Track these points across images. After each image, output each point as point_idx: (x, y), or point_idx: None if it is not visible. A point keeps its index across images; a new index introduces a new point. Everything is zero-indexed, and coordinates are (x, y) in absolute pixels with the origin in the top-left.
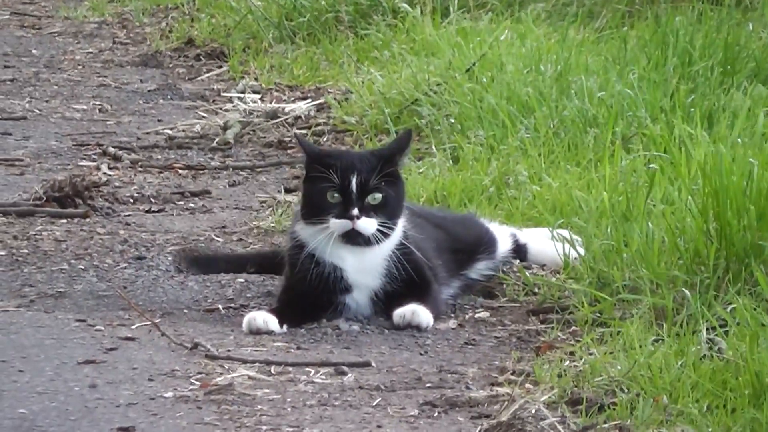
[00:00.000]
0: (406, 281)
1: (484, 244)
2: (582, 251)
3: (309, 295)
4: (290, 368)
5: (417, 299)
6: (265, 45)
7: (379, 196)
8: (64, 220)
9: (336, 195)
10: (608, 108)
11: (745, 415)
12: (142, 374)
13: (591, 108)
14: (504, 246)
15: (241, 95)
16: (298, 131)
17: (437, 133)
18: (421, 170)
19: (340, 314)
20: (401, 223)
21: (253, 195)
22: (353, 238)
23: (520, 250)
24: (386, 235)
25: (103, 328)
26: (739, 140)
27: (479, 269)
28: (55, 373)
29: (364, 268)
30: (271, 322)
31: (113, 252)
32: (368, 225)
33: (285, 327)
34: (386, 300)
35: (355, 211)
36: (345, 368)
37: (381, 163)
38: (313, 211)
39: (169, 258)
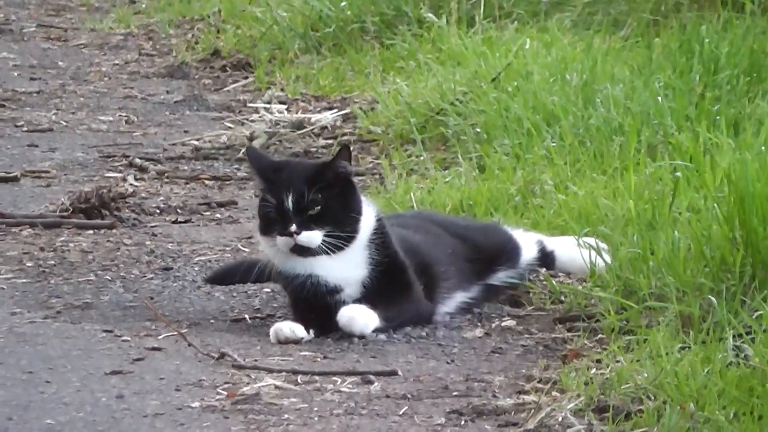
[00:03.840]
0: (386, 274)
1: (506, 253)
2: (609, 259)
3: (309, 302)
4: (317, 377)
5: (390, 294)
6: (290, 55)
7: (317, 208)
8: (91, 232)
9: (275, 215)
10: (634, 116)
11: None
12: (169, 384)
13: (617, 116)
14: (528, 254)
15: (267, 106)
16: (251, 144)
17: (463, 142)
18: (447, 179)
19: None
20: (368, 220)
21: None
22: (304, 252)
23: (546, 258)
24: (341, 239)
25: (129, 338)
26: (763, 148)
27: (500, 278)
28: (82, 384)
29: (345, 267)
30: (298, 330)
31: (140, 263)
32: (311, 238)
33: (311, 332)
34: (372, 291)
35: (293, 228)
36: (371, 377)
37: (316, 174)
38: (262, 227)
39: (196, 269)
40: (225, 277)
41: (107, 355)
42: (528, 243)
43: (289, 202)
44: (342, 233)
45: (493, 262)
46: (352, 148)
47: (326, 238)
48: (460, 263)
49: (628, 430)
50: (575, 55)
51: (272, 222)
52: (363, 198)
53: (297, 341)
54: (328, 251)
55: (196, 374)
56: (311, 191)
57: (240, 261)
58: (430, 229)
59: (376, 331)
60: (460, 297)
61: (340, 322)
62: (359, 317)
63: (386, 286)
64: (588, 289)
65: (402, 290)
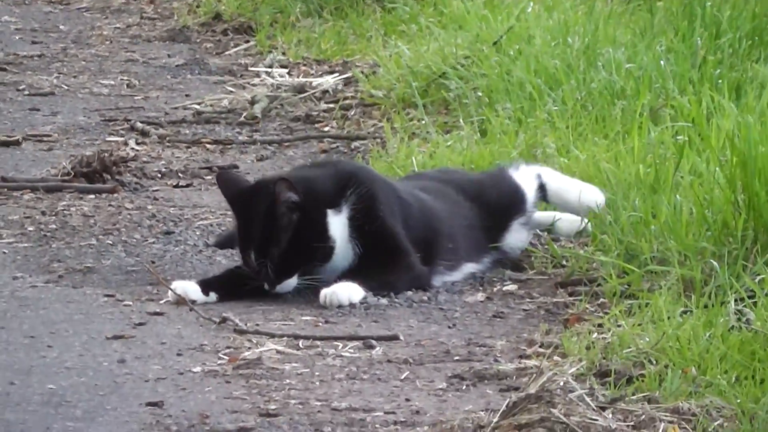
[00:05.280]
0: (373, 246)
1: (515, 204)
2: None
3: None
4: (318, 342)
5: (379, 270)
6: (292, 19)
7: (283, 263)
8: (93, 196)
9: (247, 267)
10: (636, 80)
11: None
12: (171, 349)
13: (619, 80)
14: (531, 193)
15: (269, 70)
16: (221, 170)
17: (465, 106)
18: (448, 143)
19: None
20: (338, 225)
21: (281, 169)
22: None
23: (542, 189)
24: (315, 268)
25: (131, 303)
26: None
27: (514, 229)
28: (84, 349)
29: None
30: (191, 291)
31: (141, 227)
32: (286, 287)
33: (213, 295)
34: (359, 266)
35: (266, 287)
36: (373, 342)
37: (268, 222)
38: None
39: (197, 233)
40: (230, 241)
41: (109, 320)
42: (529, 182)
43: (254, 261)
44: (315, 264)
45: (506, 218)
46: (353, 112)
47: (303, 274)
48: (474, 234)
49: (630, 395)
50: (577, 18)
51: (250, 274)
52: (331, 210)
53: (192, 302)
54: (310, 279)
55: (197, 339)
56: (270, 245)
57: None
58: (448, 195)
59: (377, 296)
60: (468, 268)
61: (322, 301)
62: (341, 292)
63: (373, 257)
64: (589, 253)
65: (390, 258)
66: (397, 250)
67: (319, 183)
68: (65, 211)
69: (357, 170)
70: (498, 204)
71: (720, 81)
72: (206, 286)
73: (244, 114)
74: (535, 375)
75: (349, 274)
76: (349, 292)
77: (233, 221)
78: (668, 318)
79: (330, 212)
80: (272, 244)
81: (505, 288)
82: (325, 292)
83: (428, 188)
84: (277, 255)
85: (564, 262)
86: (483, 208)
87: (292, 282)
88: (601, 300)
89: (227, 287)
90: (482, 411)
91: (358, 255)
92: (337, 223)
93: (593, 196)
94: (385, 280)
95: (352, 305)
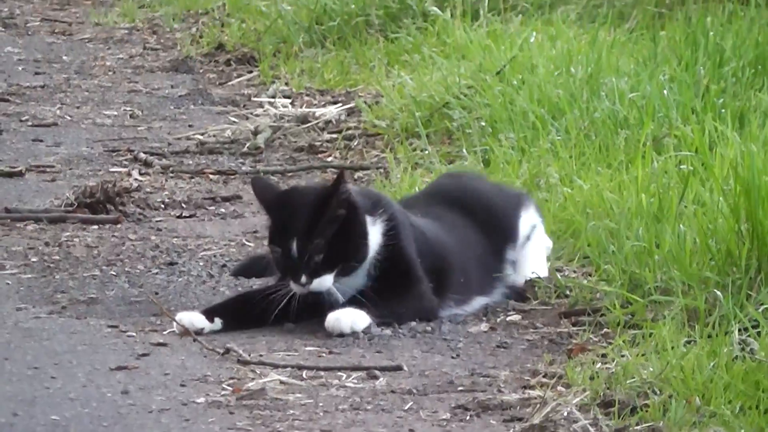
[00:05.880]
0: (390, 278)
1: (511, 233)
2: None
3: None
4: (322, 373)
5: (389, 297)
6: (295, 49)
7: (322, 256)
8: (96, 226)
9: (283, 262)
10: (639, 109)
11: None
12: (175, 380)
13: (622, 109)
14: (522, 233)
15: (272, 100)
16: (256, 175)
17: (468, 135)
18: None
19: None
20: (374, 237)
21: None
22: (317, 294)
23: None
24: (352, 269)
25: (135, 333)
26: None
27: (510, 258)
28: (88, 379)
29: (346, 283)
30: (197, 321)
31: (145, 258)
32: (322, 284)
33: (218, 321)
34: (371, 289)
35: (303, 279)
36: (377, 372)
37: (318, 210)
38: (276, 268)
39: (201, 264)
40: (250, 269)
41: (113, 351)
42: (525, 224)
43: (295, 250)
44: (353, 264)
45: (503, 241)
46: (356, 142)
47: (339, 275)
48: (484, 263)
49: (634, 425)
50: (580, 47)
51: (282, 269)
52: (369, 217)
53: (198, 332)
54: (341, 282)
55: (201, 369)
56: (315, 235)
57: (263, 254)
58: (458, 222)
59: (382, 326)
60: (479, 302)
61: (327, 326)
62: (345, 318)
63: (386, 282)
64: (593, 283)
65: (403, 286)
66: (411, 277)
67: (356, 195)
68: (68, 242)
69: (382, 195)
70: (498, 225)
71: (723, 110)
72: (211, 313)
73: (247, 144)
74: (539, 405)
75: (360, 296)
76: (353, 319)
77: (267, 222)
78: (672, 348)
79: (369, 219)
80: (318, 234)
81: (508, 318)
82: (330, 318)
83: (438, 216)
84: (321, 246)
85: (567, 292)
86: (490, 231)
87: (328, 281)
88: (605, 330)
89: (232, 314)
90: None
91: (372, 278)
92: (373, 233)
93: (535, 269)
94: (393, 309)
95: (354, 333)
